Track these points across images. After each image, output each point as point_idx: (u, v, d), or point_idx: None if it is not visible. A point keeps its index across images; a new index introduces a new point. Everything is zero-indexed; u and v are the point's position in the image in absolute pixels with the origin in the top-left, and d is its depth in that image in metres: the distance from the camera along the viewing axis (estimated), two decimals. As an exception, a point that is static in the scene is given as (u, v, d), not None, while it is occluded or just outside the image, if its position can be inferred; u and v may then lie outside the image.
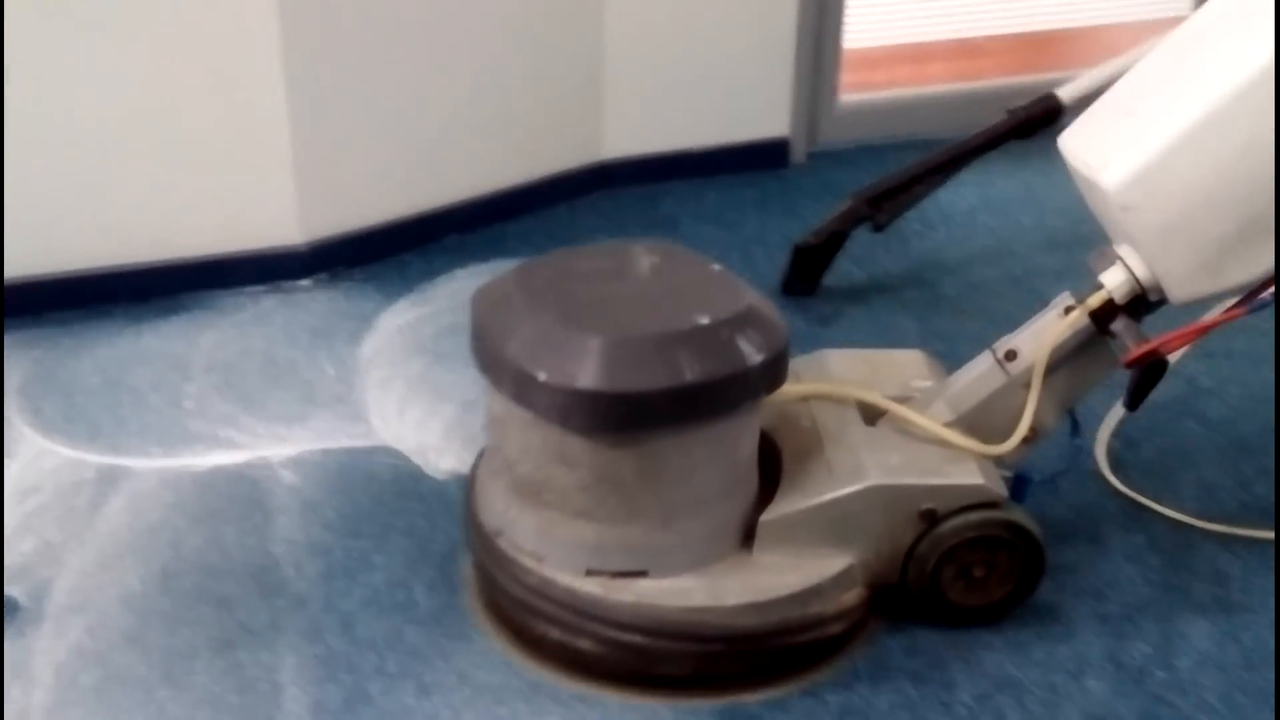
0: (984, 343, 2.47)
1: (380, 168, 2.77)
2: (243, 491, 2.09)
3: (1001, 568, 1.78)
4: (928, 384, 1.93)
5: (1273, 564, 1.93)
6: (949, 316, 2.63)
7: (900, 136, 3.31)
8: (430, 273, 2.76)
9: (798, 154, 3.31)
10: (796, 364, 1.90)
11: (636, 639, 1.67)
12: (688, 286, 1.72)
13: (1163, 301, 1.72)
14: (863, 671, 1.76)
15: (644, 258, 1.75)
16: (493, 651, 1.77)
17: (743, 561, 1.73)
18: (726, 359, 1.60)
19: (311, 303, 2.66)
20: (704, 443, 1.65)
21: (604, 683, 1.72)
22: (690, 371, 1.56)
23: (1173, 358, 1.76)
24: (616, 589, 1.67)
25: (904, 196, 2.58)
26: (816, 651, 1.76)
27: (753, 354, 1.61)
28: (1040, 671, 1.75)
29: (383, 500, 2.07)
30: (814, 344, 2.48)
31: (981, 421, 1.82)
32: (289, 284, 2.72)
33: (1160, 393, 2.32)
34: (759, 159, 3.27)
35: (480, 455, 1.89)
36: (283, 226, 2.70)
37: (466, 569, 1.90)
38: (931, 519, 1.73)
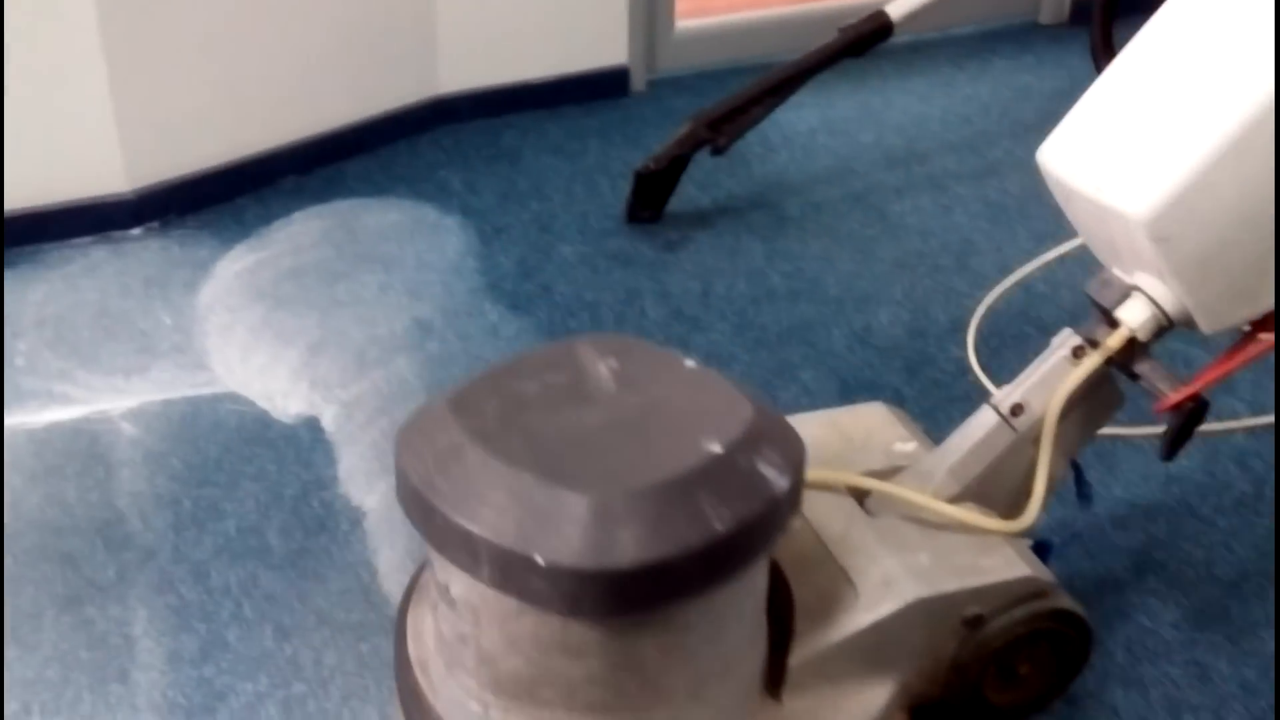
0: (831, 264, 2.56)
1: (207, 109, 2.70)
2: (81, 447, 2.04)
3: (1042, 658, 1.55)
4: (910, 446, 1.68)
5: None
6: (794, 237, 2.67)
7: (739, 60, 3.34)
8: (267, 217, 2.71)
9: (637, 82, 3.32)
10: None
11: None
12: (670, 398, 1.34)
13: (1178, 329, 1.53)
14: None
15: (598, 363, 1.37)
16: (352, 590, 1.77)
17: (776, 717, 1.43)
18: (755, 492, 1.25)
19: (143, 252, 2.60)
20: (734, 595, 1.31)
21: None
22: (720, 520, 1.21)
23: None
24: None
25: (743, 119, 2.61)
26: None
27: (778, 478, 1.27)
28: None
29: (230, 448, 2.04)
30: (661, 271, 2.52)
31: (990, 487, 1.59)
32: (118, 234, 2.64)
33: (999, 300, 2.43)
34: (599, 88, 3.27)
35: (404, 614, 1.48)
36: (107, 174, 2.62)
37: (319, 509, 1.90)
38: (976, 623, 1.48)
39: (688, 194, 2.76)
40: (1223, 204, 1.40)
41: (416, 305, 2.40)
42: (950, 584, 1.46)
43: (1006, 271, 2.51)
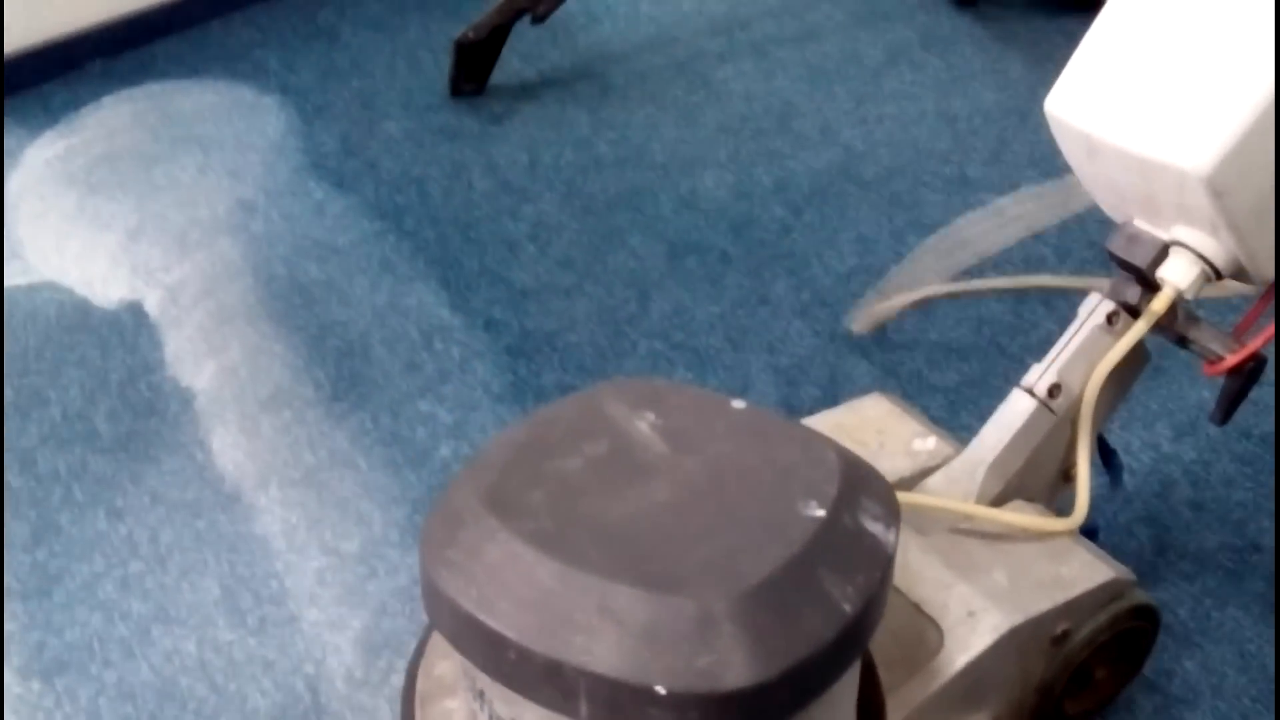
0: (656, 131, 2.59)
1: (5, -9, 2.62)
2: (-107, 342, 2.01)
3: (1114, 656, 1.44)
4: (930, 442, 1.53)
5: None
6: (619, 106, 2.69)
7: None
8: (75, 102, 2.65)
9: (456, -46, 3.29)
10: None
11: None
12: (737, 454, 1.12)
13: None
14: None
15: (636, 421, 1.14)
16: (185, 470, 1.78)
17: None
18: (871, 556, 1.06)
19: (-54, 143, 2.52)
20: (850, 674, 1.12)
21: None
22: (847, 600, 1.02)
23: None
24: None
25: (561, -15, 2.61)
26: None
27: (885, 532, 1.08)
28: None
29: (50, 336, 2.02)
30: (487, 144, 2.53)
31: (1030, 479, 1.46)
32: (-82, 125, 2.57)
33: (819, 159, 2.49)
34: (417, -38, 3.23)
35: None
36: (-98, 63, 2.53)
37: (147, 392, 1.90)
38: (1063, 640, 1.35)
39: (511, 66, 2.76)
40: (1271, 152, 1.29)
41: (238, 186, 2.38)
42: (1039, 604, 1.32)
43: (827, 130, 2.58)
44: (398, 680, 1.49)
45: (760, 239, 2.27)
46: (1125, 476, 1.63)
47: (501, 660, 0.99)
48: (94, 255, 2.20)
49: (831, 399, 1.90)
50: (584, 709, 0.97)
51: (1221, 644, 1.55)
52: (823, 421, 1.52)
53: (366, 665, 1.52)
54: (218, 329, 2.04)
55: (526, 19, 2.63)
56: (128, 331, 2.03)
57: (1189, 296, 1.37)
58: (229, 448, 1.82)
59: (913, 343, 2.03)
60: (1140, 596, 1.40)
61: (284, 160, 2.47)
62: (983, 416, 1.88)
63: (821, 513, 1.03)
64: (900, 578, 1.27)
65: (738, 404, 1.15)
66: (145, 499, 1.74)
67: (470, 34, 2.60)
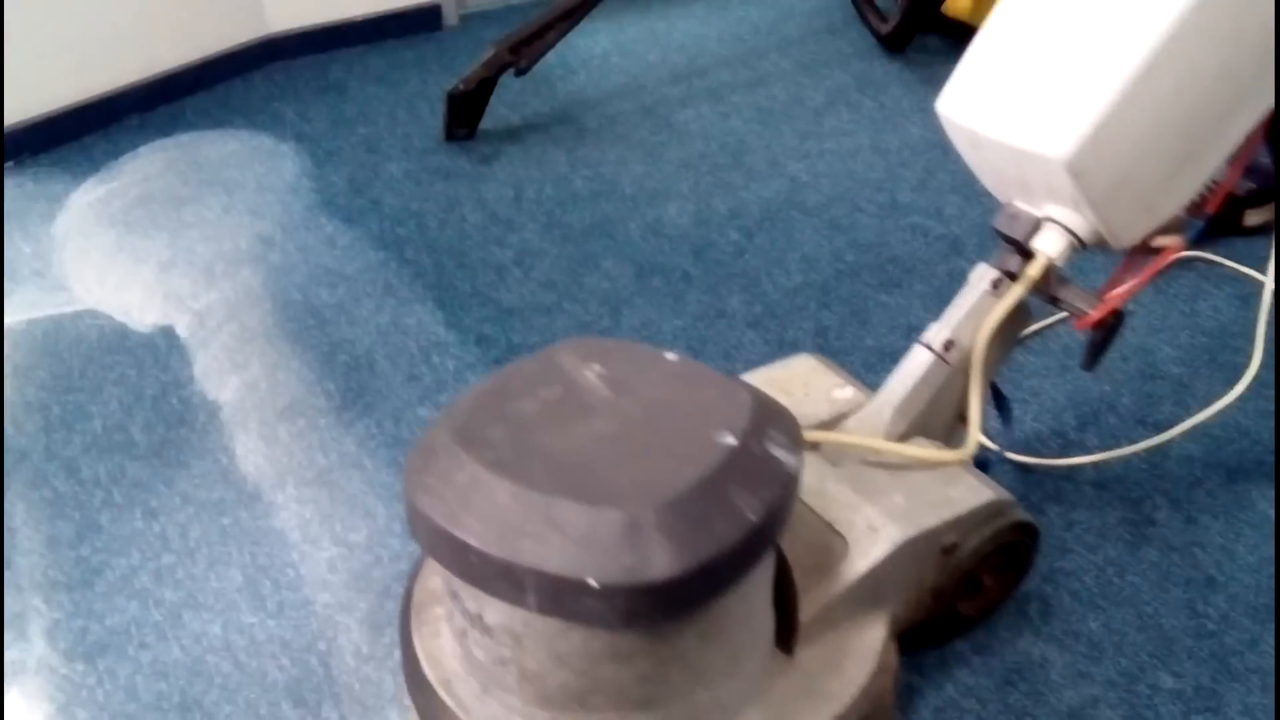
0: (625, 168, 2.59)
1: (52, 56, 2.60)
2: (-47, 366, 1.99)
3: (1000, 565, 1.52)
4: (847, 392, 1.60)
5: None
6: (593, 146, 2.69)
7: (539, -6, 3.33)
8: (115, 152, 2.64)
9: (450, 17, 3.29)
10: None
11: None
12: (667, 396, 1.23)
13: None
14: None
15: (584, 371, 1.24)
16: (212, 473, 1.77)
17: (792, 674, 1.33)
18: (774, 476, 1.17)
19: (0, 189, 2.51)
20: (760, 573, 1.23)
21: None
22: (752, 510, 1.12)
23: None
24: None
25: (539, 42, 2.61)
26: None
27: (789, 456, 1.18)
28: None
29: (92, 357, 2.01)
30: (477, 182, 2.53)
31: (930, 420, 1.54)
32: (-25, 175, 2.55)
33: (768, 189, 2.49)
34: (415, 24, 3.23)
35: (412, 653, 1.31)
36: (-40, 120, 2.52)
37: (177, 405, 1.88)
38: (952, 550, 1.43)
39: (498, 113, 2.76)
40: (1131, 133, 1.36)
41: (258, 223, 2.37)
42: (929, 519, 1.40)
43: (774, 163, 2.58)
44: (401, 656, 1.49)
45: (717, 260, 2.27)
46: (1013, 418, 1.73)
47: (467, 564, 1.09)
48: (131, 285, 2.19)
49: (780, 399, 1.90)
50: (532, 600, 1.08)
51: (1123, 607, 1.55)
52: (757, 376, 1.61)
53: (372, 642, 1.51)
54: (240, 348, 2.03)
55: (511, 72, 2.63)
56: (160, 352, 2.01)
57: (1059, 263, 1.44)
58: (250, 453, 1.80)
59: (851, 348, 2.02)
60: (1019, 514, 1.46)
61: (298, 199, 2.46)
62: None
63: (733, 440, 1.13)
64: (815, 501, 1.40)
65: (671, 356, 1.26)
66: (176, 499, 1.72)
67: (461, 86, 2.60)
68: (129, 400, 1.91)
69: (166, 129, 2.72)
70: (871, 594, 1.37)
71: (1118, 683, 1.46)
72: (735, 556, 1.11)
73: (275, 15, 2.98)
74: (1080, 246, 1.46)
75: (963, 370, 1.51)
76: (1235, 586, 1.59)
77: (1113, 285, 1.49)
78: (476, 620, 1.19)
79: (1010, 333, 1.54)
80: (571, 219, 2.42)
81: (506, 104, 2.79)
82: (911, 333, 2.05)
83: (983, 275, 1.51)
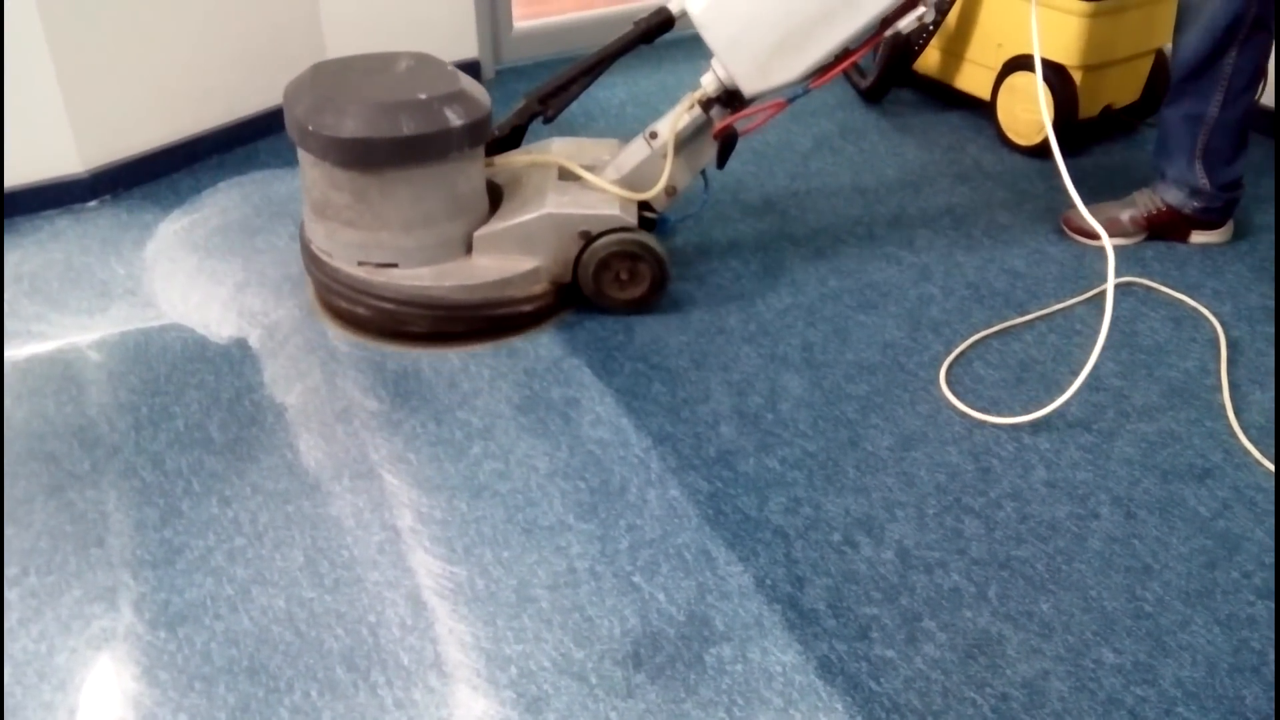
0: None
1: (143, 103, 2.60)
2: (57, 371, 1.98)
3: (641, 274, 2.06)
4: (607, 157, 2.17)
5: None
6: (610, 184, 2.69)
7: (565, 52, 3.32)
8: (198, 187, 2.63)
9: (487, 71, 3.28)
10: (531, 145, 2.28)
11: (390, 307, 1.98)
12: (423, 77, 1.97)
13: (740, 95, 2.00)
14: (547, 335, 2.08)
15: (404, 61, 2.04)
16: (278, 466, 1.76)
17: (464, 262, 2.01)
18: (434, 121, 1.88)
19: (99, 219, 2.50)
20: (426, 178, 1.93)
21: (377, 339, 2.04)
22: (406, 127, 1.86)
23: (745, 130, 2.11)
24: (377, 274, 1.98)
25: (565, 94, 2.56)
26: (514, 323, 2.05)
27: (455, 119, 1.90)
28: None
29: (176, 365, 2.01)
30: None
31: (638, 181, 2.09)
32: (78, 206, 2.54)
33: (762, 223, 2.47)
34: (458, 77, 3.22)
35: (302, 223, 2.13)
36: (65, 160, 2.51)
37: (249, 407, 1.88)
38: (589, 238, 2.01)
39: (529, 155, 2.75)
40: (740, 7, 1.89)
41: (320, 249, 2.37)
42: (571, 209, 2.01)
43: (768, 201, 2.57)
44: (441, 628, 1.48)
45: (718, 284, 2.26)
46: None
47: (288, 120, 1.96)
48: (210, 303, 2.19)
49: (772, 407, 1.89)
50: (298, 137, 1.93)
51: (1070, 590, 1.54)
52: (575, 139, 2.33)
53: (415, 615, 1.50)
54: (304, 358, 2.02)
55: (540, 120, 2.62)
56: (235, 361, 2.01)
57: (710, 93, 2.04)
58: (312, 449, 1.80)
59: (833, 361, 2.01)
60: (643, 238, 2.02)
61: (356, 229, 2.45)
62: (888, 418, 1.88)
63: (423, 96, 1.90)
64: (530, 190, 2.09)
65: (449, 67, 2.03)
66: (247, 489, 1.72)
67: (496, 131, 2.58)
68: (207, 402, 1.91)
69: (242, 167, 2.72)
70: (526, 241, 2.01)
71: (1066, 658, 1.44)
72: (390, 146, 1.86)
73: (337, 70, 2.99)
74: (725, 87, 2.01)
75: (663, 155, 2.07)
76: (1169, 574, 1.57)
77: (735, 116, 2.07)
78: (304, 169, 1.99)
79: (703, 141, 2.10)
80: (592, 247, 2.40)
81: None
82: (886, 348, 2.05)
83: (688, 97, 2.06)
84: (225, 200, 2.57)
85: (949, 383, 1.95)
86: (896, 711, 1.36)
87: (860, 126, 2.97)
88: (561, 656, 1.44)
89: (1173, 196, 2.31)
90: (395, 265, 1.98)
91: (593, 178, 2.09)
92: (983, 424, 1.85)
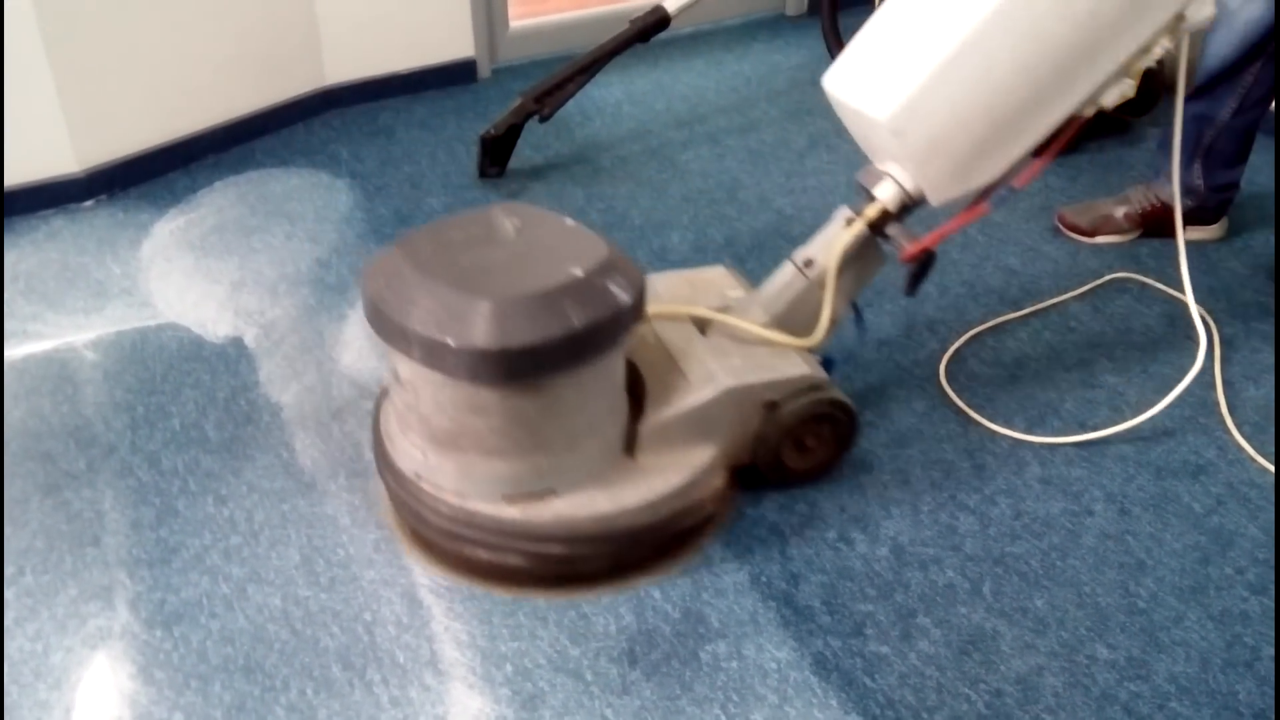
0: (635, 202, 2.58)
1: (139, 104, 2.60)
2: (53, 371, 1.98)
3: (826, 436, 1.69)
4: (738, 293, 1.77)
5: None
6: (606, 183, 2.68)
7: (561, 51, 3.31)
8: (194, 187, 2.63)
9: (483, 70, 3.28)
10: None
11: (558, 550, 1.50)
12: (551, 243, 1.48)
13: (921, 204, 1.62)
14: (728, 543, 1.64)
15: (506, 220, 1.50)
16: (274, 465, 1.76)
17: (630, 467, 1.56)
18: (604, 303, 1.40)
19: (95, 219, 2.50)
20: (594, 377, 1.47)
21: (531, 589, 1.54)
22: (577, 319, 1.37)
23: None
24: (534, 509, 1.50)
25: (560, 93, 2.60)
26: (698, 529, 1.63)
27: (623, 295, 1.42)
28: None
29: (172, 364, 2.00)
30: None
31: (790, 319, 1.68)
32: (74, 206, 2.54)
33: (758, 221, 2.48)
34: (453, 76, 3.22)
35: (379, 408, 1.66)
36: (61, 160, 2.50)
37: (245, 406, 1.88)
38: (773, 407, 1.61)
39: (524, 155, 2.75)
40: (942, 107, 1.48)
41: (316, 249, 2.37)
42: (753, 378, 1.59)
43: (765, 201, 2.57)
44: (436, 625, 1.48)
45: (713, 282, 2.26)
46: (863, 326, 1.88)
47: (386, 327, 1.41)
48: (206, 302, 2.18)
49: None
50: (418, 354, 1.38)
51: (1064, 586, 1.54)
52: (675, 274, 1.83)
53: (411, 613, 1.50)
54: (300, 357, 2.02)
55: (536, 119, 2.63)
56: (231, 360, 2.01)
57: (890, 209, 1.60)
58: (307, 448, 1.80)
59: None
60: (833, 393, 1.64)
61: (351, 228, 2.46)
62: (884, 413, 1.88)
63: (580, 273, 1.40)
64: (679, 355, 1.63)
65: (570, 222, 1.52)
66: (243, 488, 1.72)
67: (493, 130, 2.59)
68: (203, 401, 1.91)
69: (238, 167, 2.71)
70: (701, 425, 1.58)
71: (1059, 653, 1.45)
72: (558, 348, 1.37)
73: (332, 69, 2.98)
74: (909, 199, 1.60)
75: (820, 286, 1.66)
76: (1163, 570, 1.57)
77: (933, 237, 1.63)
78: (395, 375, 1.49)
79: (866, 266, 1.69)
80: (587, 246, 2.40)
81: (532, 146, 2.78)
82: (882, 346, 2.05)
83: (840, 214, 1.66)
84: (221, 200, 2.57)
85: (948, 379, 1.95)
86: (891, 707, 1.37)
87: (855, 125, 2.96)
88: (557, 653, 1.44)
89: (1168, 193, 2.31)
90: (553, 492, 1.52)
91: (752, 326, 1.66)
92: (980, 424, 1.85)
